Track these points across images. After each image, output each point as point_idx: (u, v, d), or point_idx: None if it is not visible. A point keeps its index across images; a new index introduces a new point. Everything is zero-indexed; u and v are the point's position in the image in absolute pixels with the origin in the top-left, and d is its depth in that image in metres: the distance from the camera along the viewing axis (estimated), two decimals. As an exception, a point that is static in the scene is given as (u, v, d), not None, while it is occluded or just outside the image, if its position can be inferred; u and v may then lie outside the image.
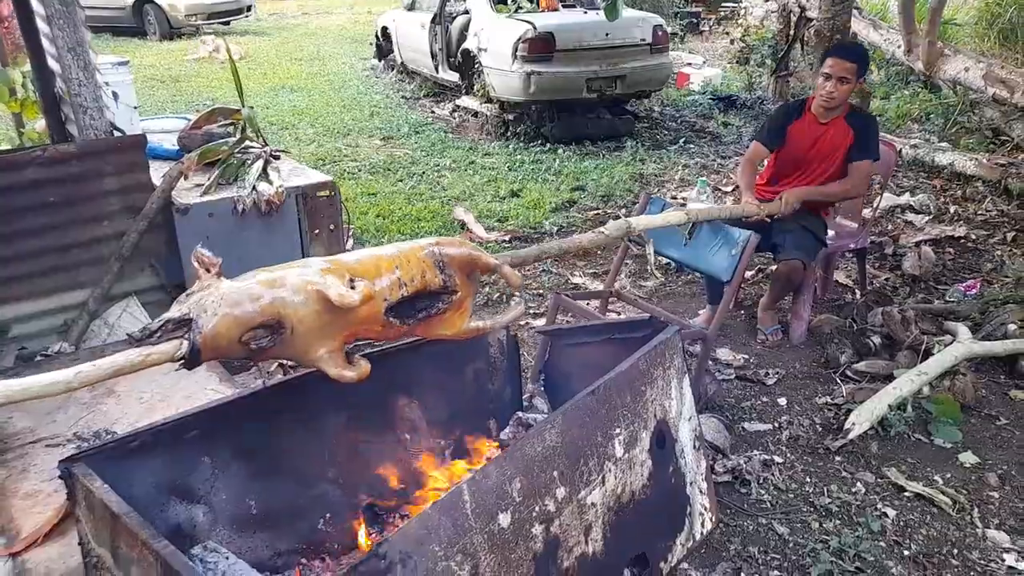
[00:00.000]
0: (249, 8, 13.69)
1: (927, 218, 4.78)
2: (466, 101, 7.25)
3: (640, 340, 2.20)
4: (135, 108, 3.76)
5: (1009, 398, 2.89)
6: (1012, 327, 3.22)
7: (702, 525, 2.17)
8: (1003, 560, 2.09)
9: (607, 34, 6.35)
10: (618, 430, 1.86)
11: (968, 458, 2.54)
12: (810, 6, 7.77)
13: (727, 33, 10.10)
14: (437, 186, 5.48)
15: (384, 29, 9.16)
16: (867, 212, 3.67)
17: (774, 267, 3.24)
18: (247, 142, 3.27)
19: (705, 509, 2.19)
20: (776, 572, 2.07)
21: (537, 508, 1.57)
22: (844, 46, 3.33)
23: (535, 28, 6.13)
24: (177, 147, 3.39)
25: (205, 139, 3.25)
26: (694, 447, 2.19)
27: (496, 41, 6.41)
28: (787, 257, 3.01)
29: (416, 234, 4.52)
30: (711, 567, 2.11)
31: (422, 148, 6.38)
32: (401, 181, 5.56)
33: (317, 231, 3.24)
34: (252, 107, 3.23)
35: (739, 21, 12.00)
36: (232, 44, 11.00)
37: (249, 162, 3.15)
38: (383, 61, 9.48)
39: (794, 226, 3.05)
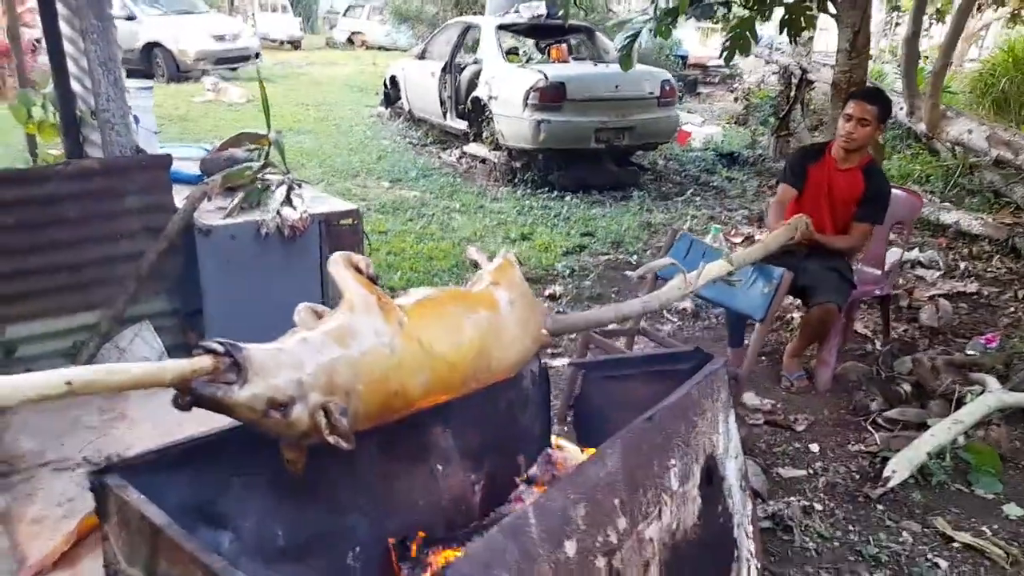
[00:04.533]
0: (257, 55, 13.88)
1: (938, 273, 4.79)
2: (474, 148, 7.30)
3: (685, 372, 2.12)
4: (155, 133, 3.72)
5: (1045, 450, 2.83)
6: (1042, 379, 3.17)
7: (748, 572, 2.07)
8: (1064, 615, 1.99)
9: (617, 86, 6.45)
10: (673, 461, 1.77)
11: (1013, 510, 2.45)
12: (811, 68, 7.98)
13: (731, 92, 10.29)
14: (447, 227, 5.45)
15: (392, 78, 9.29)
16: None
17: (803, 312, 3.19)
18: (269, 168, 3.23)
19: (751, 555, 2.09)
20: (829, 623, 1.96)
21: (600, 538, 1.46)
22: (868, 90, 3.38)
23: (547, 78, 6.22)
24: (198, 172, 3.35)
25: (228, 163, 3.21)
26: (740, 487, 2.10)
27: (507, 89, 6.49)
28: (822, 300, 2.96)
29: (429, 272, 4.47)
30: (759, 616, 1.99)
31: (431, 191, 6.38)
32: (411, 221, 5.52)
33: (338, 260, 3.17)
34: (280, 131, 3.19)
35: (736, 84, 12.34)
36: (236, 87, 11.16)
37: (273, 187, 3.10)
38: (390, 108, 9.58)
39: (825, 269, 3.02)
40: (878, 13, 11.82)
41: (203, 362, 1.20)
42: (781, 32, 4.63)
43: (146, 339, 2.99)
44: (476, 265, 4.58)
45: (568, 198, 6.31)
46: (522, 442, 2.40)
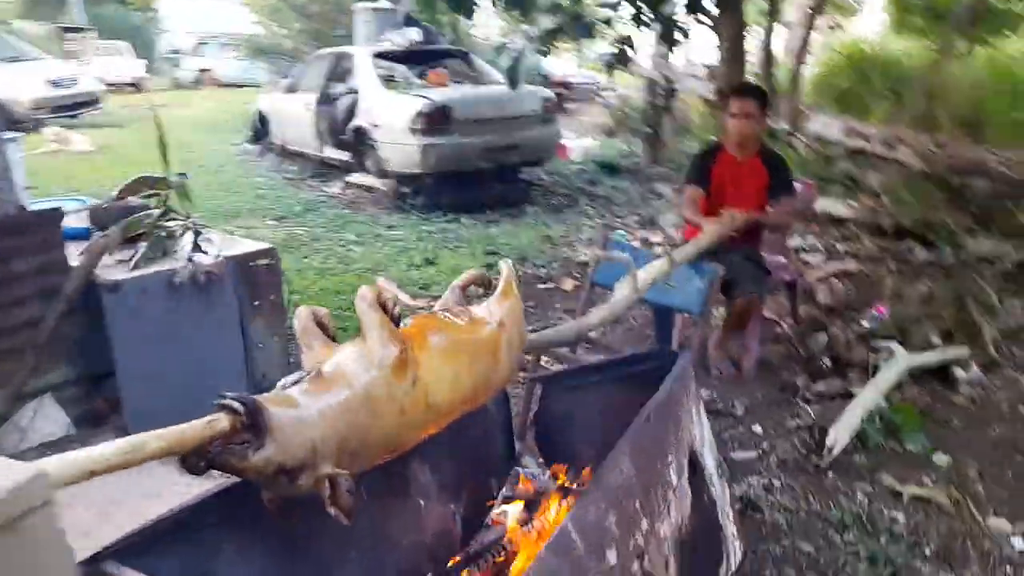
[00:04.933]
0: (96, 101, 12.99)
1: (822, 257, 5.17)
2: (358, 178, 7.16)
3: (652, 372, 2.15)
4: (27, 188, 3.37)
5: (952, 403, 3.10)
6: (936, 340, 3.49)
7: (735, 554, 2.12)
8: (1013, 545, 2.18)
9: (500, 105, 6.55)
10: (670, 458, 1.79)
11: (941, 459, 2.67)
12: (676, 79, 8.45)
13: (607, 106, 10.69)
14: (347, 260, 5.28)
15: (261, 112, 8.95)
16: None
17: (725, 304, 3.32)
18: (171, 214, 3.01)
19: (735, 536, 2.14)
20: (819, 591, 2.04)
21: (631, 542, 1.45)
22: (744, 87, 3.58)
23: (432, 101, 6.21)
24: (85, 225, 3.07)
25: (123, 212, 2.96)
26: (719, 474, 2.15)
27: (391, 116, 6.43)
28: (744, 292, 3.10)
29: (341, 307, 4.31)
30: (754, 596, 2.04)
31: (321, 225, 6.18)
32: (307, 258, 5.31)
33: (258, 303, 3.01)
34: (184, 173, 2.99)
35: (600, 99, 12.86)
36: (80, 135, 10.36)
37: (178, 234, 2.89)
38: (259, 145, 9.22)
39: (743, 261, 3.17)
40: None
41: (222, 424, 1.10)
42: (659, 43, 4.87)
43: (49, 414, 2.70)
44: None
45: (463, 220, 6.31)
46: (491, 464, 2.36)
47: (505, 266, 1.66)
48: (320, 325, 1.34)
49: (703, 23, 4.50)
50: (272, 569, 1.55)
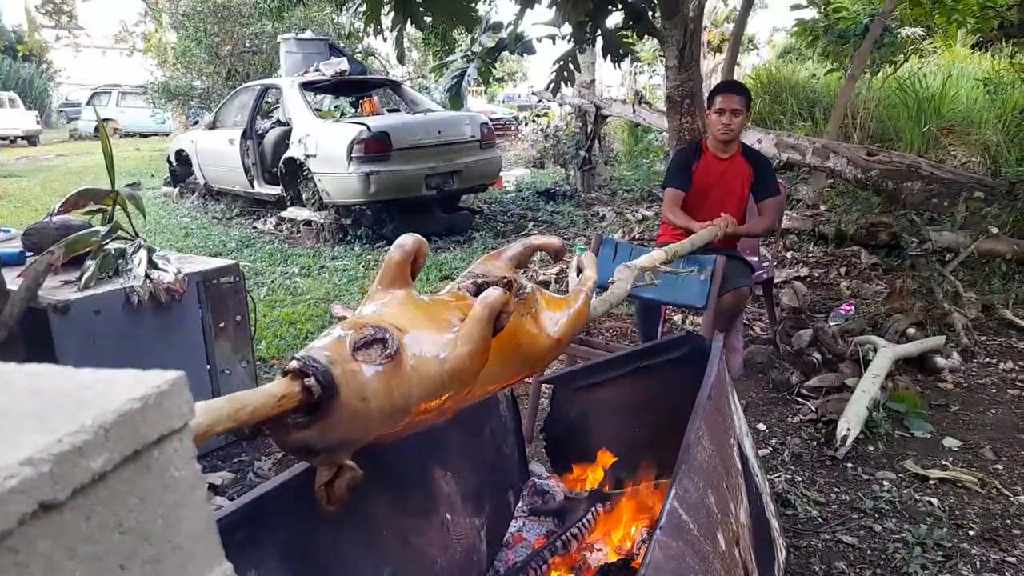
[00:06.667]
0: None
1: (773, 264, 5.23)
2: (293, 212, 6.84)
3: (681, 360, 2.03)
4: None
5: (942, 390, 3.10)
6: (911, 331, 3.51)
7: (782, 552, 1.98)
8: (1050, 519, 2.14)
9: (439, 132, 6.42)
10: (732, 440, 1.65)
11: (951, 442, 2.63)
12: (604, 105, 8.56)
13: (543, 130, 10.73)
14: (294, 292, 4.98)
15: (180, 152, 8.50)
16: (763, 250, 3.90)
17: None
18: (119, 232, 2.71)
19: (778, 533, 2.01)
20: (876, 581, 1.92)
21: (730, 527, 1.29)
22: (730, 82, 3.55)
23: (369, 129, 6.01)
24: (17, 249, 2.73)
25: (62, 231, 2.64)
26: (759, 465, 2.02)
27: (327, 146, 6.18)
28: (733, 287, 3.03)
29: (298, 336, 4.03)
30: (811, 593, 1.90)
31: (260, 260, 5.83)
32: (252, 291, 4.96)
33: (222, 324, 2.72)
34: (137, 183, 2.69)
35: (518, 135, 12.95)
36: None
37: (129, 251, 2.59)
38: (178, 187, 8.74)
39: (727, 258, 3.10)
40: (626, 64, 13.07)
41: (290, 403, 0.89)
42: (605, 59, 4.87)
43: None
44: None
45: (409, 248, 6.09)
46: (508, 474, 2.17)
47: (588, 262, 1.47)
48: (415, 261, 1.14)
49: (651, 34, 4.52)
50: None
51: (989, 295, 4.05)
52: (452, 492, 1.84)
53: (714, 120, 3.19)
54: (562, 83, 5.06)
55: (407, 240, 1.17)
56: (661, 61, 7.96)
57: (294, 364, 0.90)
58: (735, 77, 7.93)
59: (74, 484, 0.44)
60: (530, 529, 2.08)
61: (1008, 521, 2.14)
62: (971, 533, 2.09)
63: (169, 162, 8.87)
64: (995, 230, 4.50)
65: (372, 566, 1.51)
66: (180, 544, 0.52)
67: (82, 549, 0.44)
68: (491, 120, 12.96)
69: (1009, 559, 1.98)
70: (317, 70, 7.29)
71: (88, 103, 21.16)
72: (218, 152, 7.62)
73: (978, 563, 1.96)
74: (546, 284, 4.82)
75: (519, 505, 2.17)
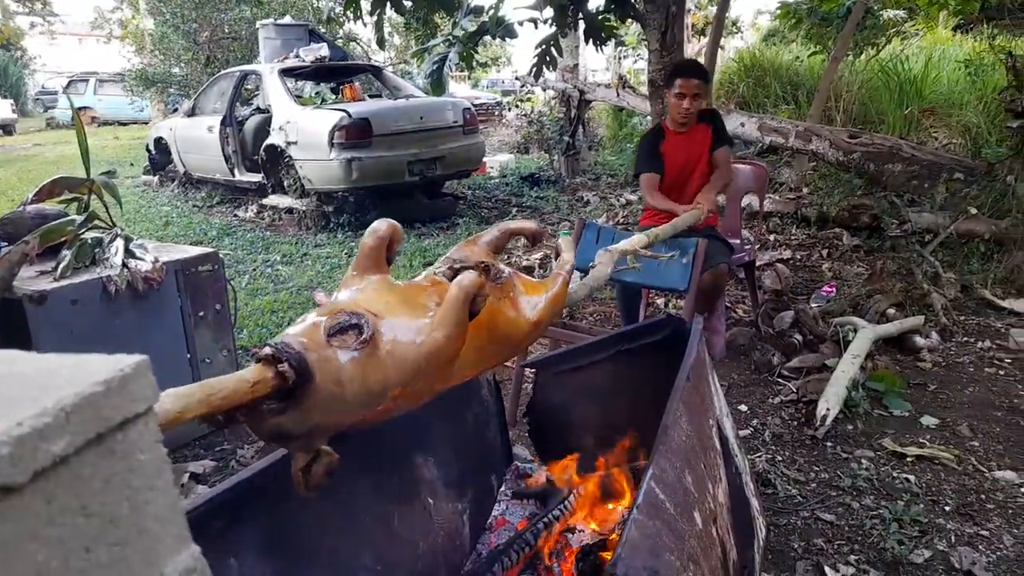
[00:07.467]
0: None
1: (756, 246, 5.25)
2: (275, 199, 6.79)
3: (662, 342, 2.04)
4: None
5: (920, 369, 3.14)
6: (891, 311, 3.55)
7: (761, 530, 2.01)
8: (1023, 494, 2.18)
9: (421, 117, 6.38)
10: (711, 421, 1.66)
11: (929, 420, 2.67)
12: (588, 90, 8.54)
13: (527, 115, 10.70)
14: (276, 280, 4.95)
15: (159, 140, 8.40)
16: (746, 233, 3.92)
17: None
18: (95, 220, 2.69)
19: (758, 512, 2.03)
20: (854, 556, 1.95)
21: (707, 505, 1.30)
22: (686, 65, 3.42)
23: (350, 115, 5.97)
24: (-10, 239, 2.69)
25: (37, 220, 2.61)
26: (738, 445, 2.04)
27: (308, 133, 6.13)
28: (710, 265, 3.04)
29: (279, 324, 4.01)
30: (790, 569, 1.93)
31: (242, 248, 5.79)
32: (233, 280, 4.93)
33: (202, 313, 2.71)
34: (112, 171, 2.66)
35: (502, 120, 12.91)
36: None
37: (106, 240, 2.57)
38: (158, 175, 8.64)
39: (705, 236, 3.11)
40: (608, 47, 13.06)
41: (263, 389, 0.89)
42: (587, 43, 4.86)
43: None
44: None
45: (393, 235, 6.06)
46: (490, 458, 2.18)
47: (565, 246, 1.46)
48: (390, 246, 1.13)
49: (633, 17, 4.50)
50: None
51: (968, 275, 4.10)
52: (434, 477, 1.84)
53: (674, 103, 3.19)
54: (544, 68, 5.05)
55: (381, 225, 1.16)
56: (645, 45, 7.96)
57: (267, 350, 0.89)
58: (718, 60, 7.92)
59: (35, 467, 0.44)
60: (513, 512, 2.10)
61: (983, 496, 2.18)
62: (947, 508, 2.13)
63: (148, 150, 8.77)
64: (974, 211, 4.54)
65: (353, 551, 1.52)
66: (147, 527, 0.52)
67: (44, 532, 0.44)
68: (475, 105, 12.89)
69: (983, 532, 2.02)
70: (297, 56, 7.21)
71: (65, 91, 20.84)
72: (198, 140, 7.54)
73: (953, 537, 2.00)
74: (530, 270, 4.83)
75: (502, 488, 2.19)
